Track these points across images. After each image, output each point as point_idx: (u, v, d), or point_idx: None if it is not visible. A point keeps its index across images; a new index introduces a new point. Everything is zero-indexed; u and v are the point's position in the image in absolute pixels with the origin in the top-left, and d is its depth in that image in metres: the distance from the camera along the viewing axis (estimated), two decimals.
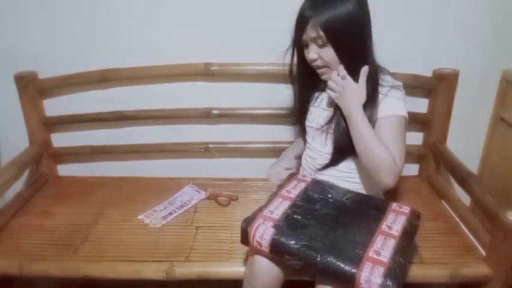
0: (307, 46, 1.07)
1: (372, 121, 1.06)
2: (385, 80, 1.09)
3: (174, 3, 1.37)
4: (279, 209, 1.04)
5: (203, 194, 1.45)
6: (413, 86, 1.43)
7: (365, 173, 1.13)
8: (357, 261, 0.90)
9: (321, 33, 1.00)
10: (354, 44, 1.03)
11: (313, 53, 1.05)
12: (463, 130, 1.52)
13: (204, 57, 1.42)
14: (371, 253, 0.92)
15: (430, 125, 1.47)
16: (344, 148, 1.12)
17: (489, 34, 1.40)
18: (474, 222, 1.24)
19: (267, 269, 0.99)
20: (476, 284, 1.11)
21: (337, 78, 1.06)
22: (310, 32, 1.02)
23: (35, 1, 1.38)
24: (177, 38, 1.41)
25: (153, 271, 1.11)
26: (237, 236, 1.21)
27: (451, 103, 1.44)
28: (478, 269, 1.09)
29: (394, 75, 1.14)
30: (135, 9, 1.38)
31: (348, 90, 1.05)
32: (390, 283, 0.85)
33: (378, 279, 0.86)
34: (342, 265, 0.89)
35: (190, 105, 1.49)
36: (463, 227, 1.27)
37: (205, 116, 1.50)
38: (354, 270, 0.88)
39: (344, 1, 0.99)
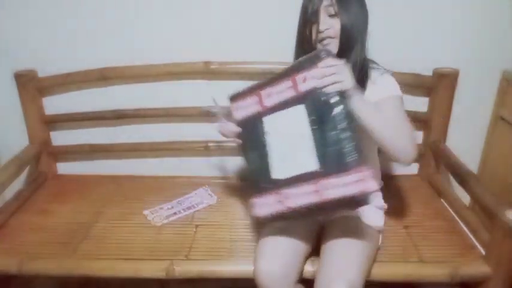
0: (316, 21, 1.04)
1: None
2: (375, 66, 1.09)
3: (174, 2, 1.37)
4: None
5: (215, 199, 1.44)
6: (414, 85, 1.43)
7: None
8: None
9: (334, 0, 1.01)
10: (358, 21, 1.04)
11: (324, 24, 1.03)
12: (463, 129, 1.52)
13: (204, 56, 1.42)
14: None
15: (430, 124, 1.47)
16: None
17: (489, 34, 1.40)
18: (473, 221, 1.24)
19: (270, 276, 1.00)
20: (475, 282, 1.11)
21: (331, 68, 0.91)
22: (325, 1, 1.02)
23: (34, 0, 1.38)
24: (177, 36, 1.41)
25: (152, 269, 1.11)
26: (237, 234, 1.22)
27: (451, 102, 1.44)
28: (477, 268, 1.09)
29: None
30: (135, 8, 1.38)
31: (345, 69, 0.93)
32: None
33: None
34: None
35: (190, 104, 1.49)
36: (463, 226, 1.27)
37: (205, 114, 1.49)
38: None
39: None
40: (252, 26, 1.39)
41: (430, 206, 1.38)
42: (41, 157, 1.56)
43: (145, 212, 1.36)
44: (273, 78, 0.98)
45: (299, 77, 0.93)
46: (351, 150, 0.88)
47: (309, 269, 1.09)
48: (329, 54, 0.93)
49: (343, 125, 0.89)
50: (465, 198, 1.35)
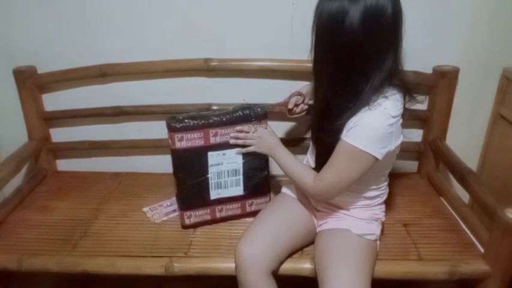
0: None
1: (338, 131, 0.97)
2: (377, 103, 0.92)
3: None
4: None
5: None
6: (413, 82, 1.42)
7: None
8: None
9: None
10: (316, 58, 0.97)
11: None
12: (463, 127, 1.52)
13: (204, 53, 1.41)
14: None
15: (430, 122, 1.47)
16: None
17: (489, 32, 1.39)
18: (473, 219, 1.25)
19: (246, 261, 1.01)
20: (474, 281, 1.11)
21: (249, 134, 1.18)
22: None
23: None
24: (176, 33, 1.41)
25: (152, 266, 1.12)
26: (236, 232, 1.22)
27: (451, 100, 1.43)
28: (476, 266, 1.09)
29: (400, 104, 0.96)
30: (134, 4, 1.38)
31: (264, 135, 1.18)
32: None
33: None
34: None
35: (190, 101, 1.48)
36: (462, 224, 1.27)
37: (205, 111, 1.49)
38: None
39: None
40: (252, 23, 1.38)
41: (429, 204, 1.38)
42: (40, 154, 1.56)
43: (145, 209, 1.36)
44: (220, 120, 1.17)
45: (234, 127, 1.18)
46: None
47: (308, 266, 1.09)
48: (257, 116, 1.18)
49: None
50: (464, 196, 1.35)
